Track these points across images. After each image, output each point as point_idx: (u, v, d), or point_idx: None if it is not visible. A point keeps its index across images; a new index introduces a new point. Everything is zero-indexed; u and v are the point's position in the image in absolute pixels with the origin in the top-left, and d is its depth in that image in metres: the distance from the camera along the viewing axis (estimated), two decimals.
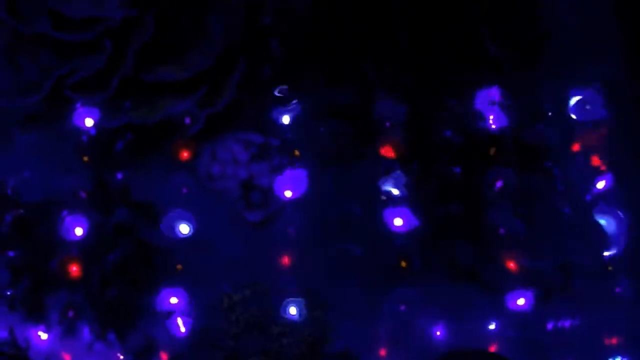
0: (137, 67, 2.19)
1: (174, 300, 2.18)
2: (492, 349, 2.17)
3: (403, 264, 2.21)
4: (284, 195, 2.25)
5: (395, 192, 2.25)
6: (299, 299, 2.14)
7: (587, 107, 2.31)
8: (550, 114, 2.32)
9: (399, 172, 2.24)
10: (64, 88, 2.20)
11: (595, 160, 2.30)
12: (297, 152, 2.28)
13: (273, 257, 2.23)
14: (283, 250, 2.23)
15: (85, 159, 2.30)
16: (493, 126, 2.29)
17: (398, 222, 2.22)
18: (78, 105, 2.25)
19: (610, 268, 2.21)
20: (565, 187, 2.27)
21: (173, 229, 2.24)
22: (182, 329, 2.17)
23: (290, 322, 2.13)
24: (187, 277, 2.21)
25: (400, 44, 2.30)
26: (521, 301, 2.17)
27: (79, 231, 2.21)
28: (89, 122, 2.27)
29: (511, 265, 2.19)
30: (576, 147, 2.32)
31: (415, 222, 2.22)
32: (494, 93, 2.30)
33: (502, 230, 2.22)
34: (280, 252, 2.23)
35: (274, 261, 2.23)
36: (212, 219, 2.26)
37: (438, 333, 2.18)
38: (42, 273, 2.20)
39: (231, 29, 2.25)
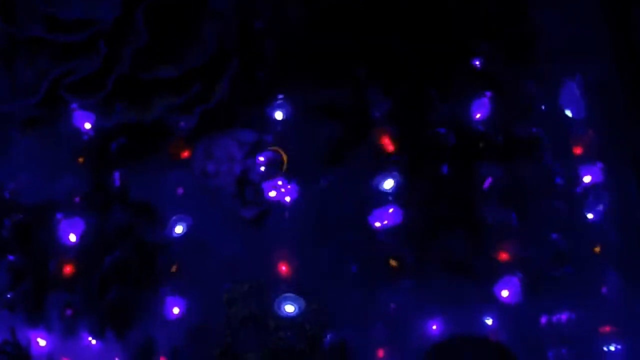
0: (132, 66, 2.21)
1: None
2: None
3: (393, 262, 2.23)
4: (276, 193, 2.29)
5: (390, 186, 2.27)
6: (295, 295, 2.17)
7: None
8: (538, 109, 2.35)
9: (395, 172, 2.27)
10: (60, 89, 2.22)
11: (584, 154, 2.33)
12: (284, 158, 2.31)
13: (270, 254, 2.25)
14: (280, 247, 2.25)
15: (81, 160, 2.31)
16: (482, 122, 2.32)
17: (391, 218, 2.25)
18: (74, 106, 2.27)
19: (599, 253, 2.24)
20: (555, 180, 2.30)
21: (172, 228, 2.26)
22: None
23: (287, 317, 2.15)
24: (185, 274, 2.23)
25: (392, 43, 2.33)
26: (513, 292, 2.19)
27: (76, 234, 2.22)
28: (87, 124, 2.29)
29: (503, 256, 2.22)
30: (565, 142, 2.35)
31: (408, 218, 2.24)
32: (484, 90, 2.34)
33: (494, 223, 2.24)
34: (277, 250, 2.25)
35: (271, 258, 2.25)
36: (208, 217, 2.28)
37: (434, 327, 2.20)
38: (42, 275, 2.21)
39: (225, 32, 2.27)
